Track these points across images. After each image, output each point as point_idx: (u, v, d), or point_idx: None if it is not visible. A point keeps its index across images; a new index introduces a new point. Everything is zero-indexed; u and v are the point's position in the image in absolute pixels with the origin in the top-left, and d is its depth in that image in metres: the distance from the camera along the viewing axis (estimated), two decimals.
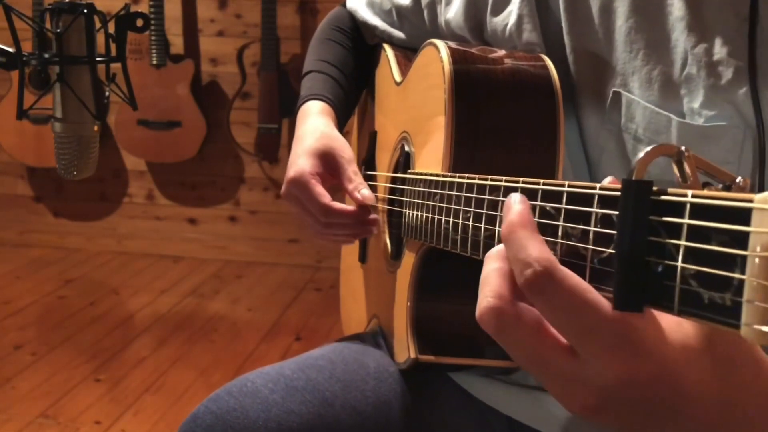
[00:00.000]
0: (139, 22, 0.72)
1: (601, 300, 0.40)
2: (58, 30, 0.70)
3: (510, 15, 0.83)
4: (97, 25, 0.72)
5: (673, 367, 0.40)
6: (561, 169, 0.75)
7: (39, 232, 3.58)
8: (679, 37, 0.70)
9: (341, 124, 1.03)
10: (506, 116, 0.76)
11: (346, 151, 0.94)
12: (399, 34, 1.05)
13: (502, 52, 0.81)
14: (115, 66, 0.74)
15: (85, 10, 0.70)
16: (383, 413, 0.83)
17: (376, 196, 1.00)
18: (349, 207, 0.91)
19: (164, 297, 3.04)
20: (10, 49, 0.71)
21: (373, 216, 0.93)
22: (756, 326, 0.32)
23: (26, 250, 3.50)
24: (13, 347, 2.54)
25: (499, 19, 0.85)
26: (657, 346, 0.40)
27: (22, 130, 3.23)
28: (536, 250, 0.41)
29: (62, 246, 3.54)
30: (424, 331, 0.81)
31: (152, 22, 3.09)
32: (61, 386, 2.28)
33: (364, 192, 0.90)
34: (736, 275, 0.33)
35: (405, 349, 0.82)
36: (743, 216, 0.33)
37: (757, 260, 0.32)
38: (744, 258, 0.33)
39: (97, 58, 0.72)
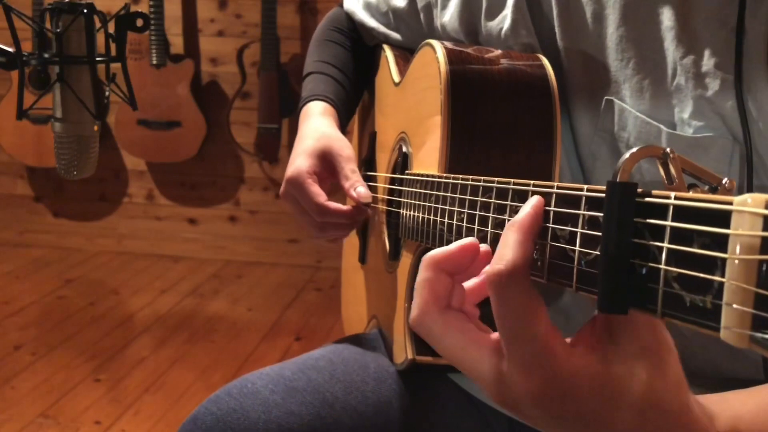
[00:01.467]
0: (139, 22, 0.72)
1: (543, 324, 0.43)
2: (58, 30, 0.70)
3: (504, 20, 0.84)
4: (97, 25, 0.72)
5: (580, 392, 0.42)
6: (558, 168, 0.74)
7: (39, 232, 3.57)
8: (669, 48, 0.70)
9: (343, 124, 1.04)
10: (502, 116, 0.76)
11: (344, 150, 0.94)
12: (396, 35, 1.05)
13: (498, 52, 0.81)
14: (115, 66, 0.74)
15: (85, 10, 0.70)
16: (383, 414, 0.83)
17: (375, 197, 1.00)
18: (344, 207, 0.91)
19: (164, 297, 3.04)
20: (10, 49, 0.71)
21: (363, 211, 0.93)
22: (735, 329, 0.32)
23: (26, 250, 3.50)
24: (13, 347, 2.54)
25: (493, 24, 0.85)
26: (571, 374, 0.42)
27: (22, 130, 3.23)
28: (514, 252, 0.44)
29: (62, 246, 3.54)
30: None
31: (152, 22, 3.09)
32: (61, 386, 2.28)
33: (360, 190, 0.90)
34: (717, 278, 0.33)
35: (403, 350, 0.82)
36: (723, 218, 0.33)
37: (736, 263, 0.32)
38: (724, 261, 0.33)
39: (97, 58, 0.72)
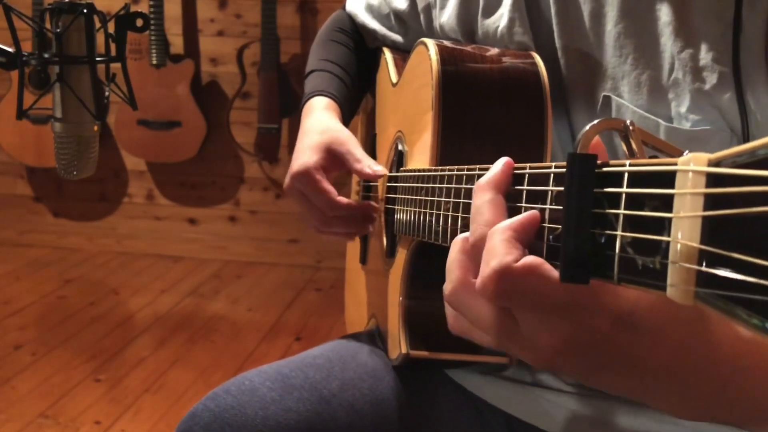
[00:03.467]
0: (139, 22, 0.73)
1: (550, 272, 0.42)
2: (58, 30, 0.70)
3: (501, 18, 0.84)
4: (97, 25, 0.72)
5: (628, 319, 0.42)
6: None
7: (39, 232, 3.58)
8: (667, 42, 0.71)
9: (345, 122, 1.04)
10: (494, 113, 0.77)
11: (351, 140, 0.94)
12: (397, 37, 1.06)
13: (492, 51, 0.82)
14: (115, 66, 0.74)
15: (85, 10, 0.70)
16: (381, 411, 0.84)
17: (375, 197, 1.01)
18: (354, 202, 0.92)
19: (164, 297, 3.04)
20: (10, 49, 0.71)
21: (373, 206, 0.94)
22: (681, 286, 0.32)
23: (26, 250, 3.50)
24: (13, 347, 2.54)
25: (490, 22, 0.86)
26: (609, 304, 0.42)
27: (22, 130, 3.23)
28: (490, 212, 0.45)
29: (62, 246, 3.54)
30: (415, 326, 0.81)
31: (152, 22, 3.09)
32: (61, 386, 2.29)
33: (375, 167, 0.90)
34: (664, 238, 0.34)
35: (397, 345, 0.83)
36: (669, 179, 0.34)
37: (680, 221, 0.33)
38: (670, 220, 0.33)
39: (97, 58, 0.72)
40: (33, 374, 2.36)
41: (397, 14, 1.04)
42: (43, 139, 3.24)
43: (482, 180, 0.48)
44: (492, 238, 0.44)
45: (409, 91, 0.91)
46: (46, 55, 0.71)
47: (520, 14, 0.82)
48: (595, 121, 0.41)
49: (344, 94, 1.06)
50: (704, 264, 0.31)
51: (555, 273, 0.41)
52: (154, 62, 3.17)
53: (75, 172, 0.75)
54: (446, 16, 0.92)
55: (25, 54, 0.71)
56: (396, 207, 0.86)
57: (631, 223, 0.36)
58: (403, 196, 0.82)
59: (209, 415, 0.79)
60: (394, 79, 1.01)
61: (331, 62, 1.09)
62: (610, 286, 0.40)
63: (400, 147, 0.93)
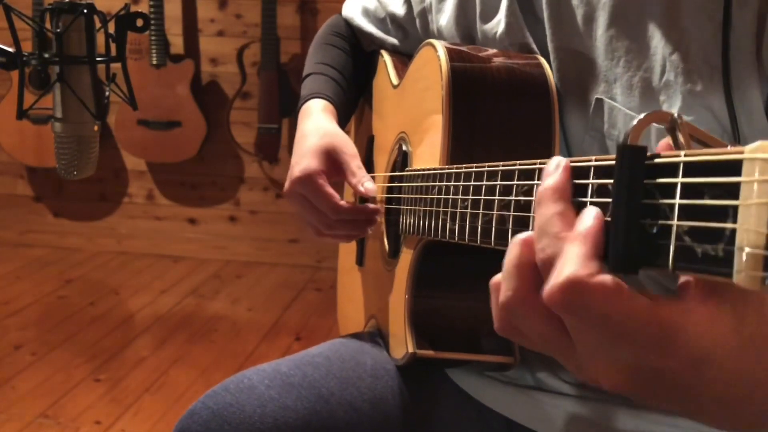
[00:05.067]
0: (139, 22, 0.73)
1: (635, 299, 0.39)
2: (58, 30, 0.70)
3: (499, 24, 0.85)
4: (97, 25, 0.72)
5: (700, 355, 0.40)
6: None
7: (39, 232, 3.58)
8: (658, 45, 0.71)
9: (341, 125, 1.04)
10: (503, 114, 0.77)
11: (349, 147, 0.95)
12: (393, 40, 1.07)
13: (498, 52, 0.82)
14: (115, 66, 0.74)
15: (85, 10, 0.70)
16: (379, 410, 0.84)
17: (374, 198, 1.01)
18: (358, 205, 0.92)
19: (164, 297, 3.04)
20: (10, 49, 0.71)
21: (375, 209, 0.94)
22: (749, 272, 0.33)
23: (26, 250, 3.50)
24: (13, 347, 2.54)
25: (488, 27, 0.86)
26: (690, 339, 0.39)
27: (22, 130, 3.23)
28: (573, 262, 0.40)
29: (62, 246, 3.54)
30: (421, 325, 0.81)
31: (152, 22, 3.09)
32: (61, 386, 2.29)
33: (367, 185, 0.91)
34: (728, 225, 0.34)
35: (402, 344, 0.83)
36: (735, 168, 0.34)
37: (748, 208, 0.33)
38: (735, 208, 0.34)
39: (97, 58, 0.72)
40: (33, 374, 2.36)
41: (394, 18, 1.04)
42: (43, 139, 3.24)
43: (546, 189, 0.44)
44: (567, 251, 0.41)
45: (414, 92, 0.91)
46: (46, 55, 0.71)
47: (516, 19, 0.83)
48: (643, 115, 0.41)
49: (341, 97, 1.07)
50: None
51: (633, 299, 0.39)
52: (154, 62, 3.17)
53: (75, 172, 0.75)
54: (444, 20, 0.92)
55: (26, 54, 0.71)
56: (402, 207, 0.86)
57: (687, 213, 0.37)
58: (410, 196, 0.82)
59: (208, 413, 0.79)
60: (395, 81, 1.01)
61: (328, 65, 1.10)
62: (684, 326, 0.38)
63: (404, 148, 0.93)
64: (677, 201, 0.37)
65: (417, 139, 0.88)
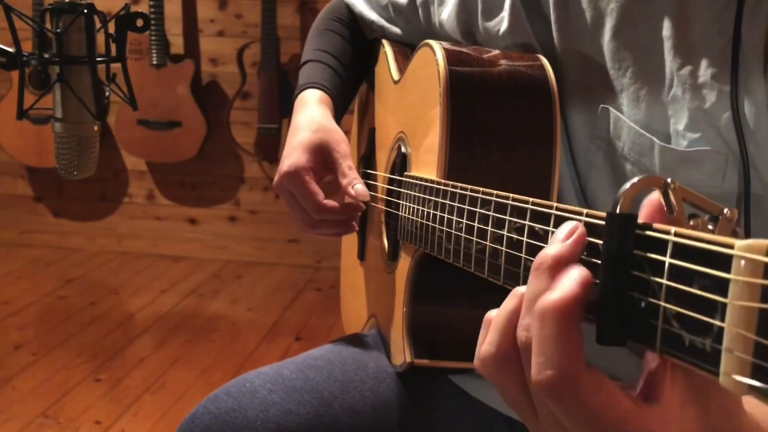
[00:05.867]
0: (139, 22, 0.72)
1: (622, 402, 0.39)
2: (58, 30, 0.70)
3: (502, 22, 0.83)
4: (97, 25, 0.72)
5: None
6: (557, 170, 0.74)
7: (39, 232, 3.57)
8: (666, 58, 0.69)
9: (339, 115, 1.03)
10: (502, 118, 0.76)
11: (341, 145, 0.94)
12: (395, 29, 1.05)
13: (498, 53, 0.80)
14: (115, 66, 0.74)
15: (85, 10, 0.70)
16: (382, 413, 0.84)
17: (375, 196, 1.00)
18: (341, 204, 0.92)
19: (164, 297, 3.04)
20: (10, 49, 0.71)
21: (358, 207, 0.93)
22: (734, 376, 0.31)
23: (26, 250, 3.50)
24: (13, 347, 2.54)
25: (491, 24, 0.85)
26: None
27: (22, 130, 3.23)
28: (561, 352, 0.38)
29: (62, 246, 3.54)
30: (419, 335, 0.81)
31: (152, 22, 3.09)
32: (61, 386, 2.28)
33: (357, 187, 0.90)
34: (717, 322, 0.32)
35: (401, 352, 0.82)
36: (724, 261, 0.32)
37: (737, 308, 0.31)
38: (724, 305, 0.32)
39: (97, 58, 0.72)
40: (33, 374, 2.36)
41: (396, 6, 1.02)
42: (43, 139, 3.24)
43: (546, 257, 0.40)
44: (557, 340, 0.38)
45: (413, 93, 0.90)
46: (46, 55, 0.71)
47: (520, 18, 0.81)
48: (635, 179, 0.39)
49: (338, 86, 1.05)
50: (760, 356, 0.30)
51: (620, 401, 0.38)
52: (155, 62, 3.17)
53: (75, 172, 0.75)
54: (446, 14, 0.91)
55: (26, 54, 0.71)
56: (400, 212, 0.86)
57: (676, 297, 0.35)
58: (408, 204, 0.82)
59: (210, 417, 0.78)
60: (396, 75, 0.99)
61: (326, 52, 1.08)
62: (677, 421, 0.38)
63: (403, 149, 0.92)
64: (665, 282, 0.36)
65: (416, 142, 0.87)
